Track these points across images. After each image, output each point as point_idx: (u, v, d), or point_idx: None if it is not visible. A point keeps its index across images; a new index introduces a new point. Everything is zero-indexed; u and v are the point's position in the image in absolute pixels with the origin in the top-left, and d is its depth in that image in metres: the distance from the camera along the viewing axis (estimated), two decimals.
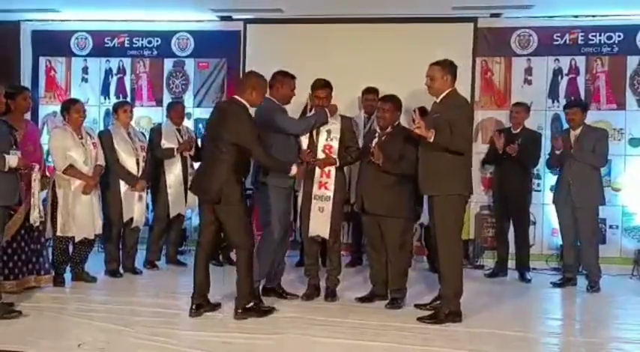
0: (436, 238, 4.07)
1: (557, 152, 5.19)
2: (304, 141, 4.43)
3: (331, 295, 4.50)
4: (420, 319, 4.04)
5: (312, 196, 4.38)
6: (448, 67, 4.03)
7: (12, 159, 3.84)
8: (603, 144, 5.14)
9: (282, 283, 4.63)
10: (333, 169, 4.39)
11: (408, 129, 4.46)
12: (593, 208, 5.14)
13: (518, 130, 5.53)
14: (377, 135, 4.42)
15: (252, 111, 4.15)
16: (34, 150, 4.46)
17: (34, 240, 4.54)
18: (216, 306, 4.20)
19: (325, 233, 4.41)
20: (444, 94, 4.02)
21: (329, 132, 4.40)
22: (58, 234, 4.72)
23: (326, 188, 4.37)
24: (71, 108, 4.82)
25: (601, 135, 5.20)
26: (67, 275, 4.91)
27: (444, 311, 4.02)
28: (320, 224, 4.39)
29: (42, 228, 4.56)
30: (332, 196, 4.38)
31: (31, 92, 5.03)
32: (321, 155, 4.39)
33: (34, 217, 4.24)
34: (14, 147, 3.93)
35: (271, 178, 4.31)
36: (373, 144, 4.35)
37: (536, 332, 3.96)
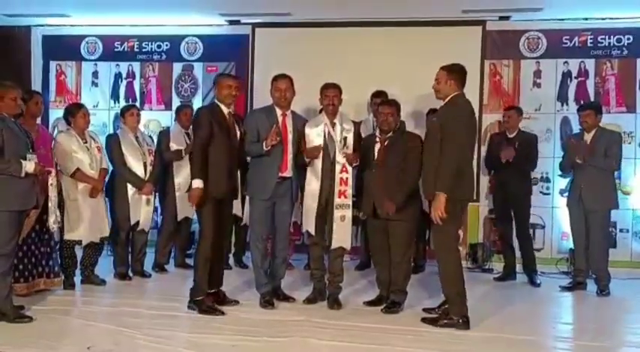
0: (435, 242, 4.15)
1: (579, 160, 5.03)
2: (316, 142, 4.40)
3: (336, 302, 4.47)
4: (424, 320, 4.08)
5: (334, 206, 4.37)
6: (455, 72, 4.01)
7: (29, 165, 3.86)
8: (616, 147, 5.05)
9: (286, 284, 4.71)
10: (350, 177, 4.39)
11: (411, 133, 4.52)
12: (605, 212, 5.09)
13: (514, 134, 5.52)
14: (377, 139, 4.40)
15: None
16: (45, 153, 4.49)
17: (45, 243, 4.56)
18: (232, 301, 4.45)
19: (347, 244, 4.45)
20: (447, 98, 4.04)
21: (345, 139, 4.39)
22: (66, 237, 4.75)
23: (345, 196, 4.38)
24: (77, 113, 4.85)
25: (614, 139, 5.11)
26: (77, 278, 4.93)
27: (451, 316, 3.99)
28: (342, 235, 4.39)
29: (52, 231, 4.59)
30: (351, 204, 4.41)
31: (42, 96, 5.07)
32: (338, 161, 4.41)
33: (52, 222, 4.27)
34: (30, 150, 3.96)
35: (250, 191, 4.46)
36: (377, 149, 4.35)
37: (547, 337, 3.94)
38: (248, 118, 4.61)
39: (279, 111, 4.44)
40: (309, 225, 4.43)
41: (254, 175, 4.42)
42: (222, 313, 4.18)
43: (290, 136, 4.42)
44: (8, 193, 3.81)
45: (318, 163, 4.37)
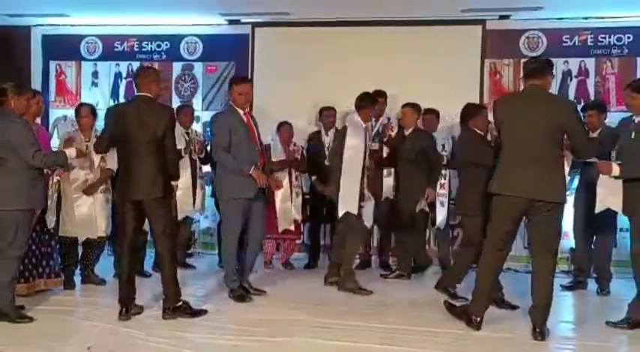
0: None
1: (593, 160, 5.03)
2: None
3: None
4: (446, 302, 4.27)
5: None
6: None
7: (71, 151, 3.97)
8: None
9: (287, 285, 4.87)
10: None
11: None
12: (615, 212, 5.05)
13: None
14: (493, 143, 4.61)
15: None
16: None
17: (45, 243, 4.56)
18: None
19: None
20: None
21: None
22: (60, 234, 4.74)
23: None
24: (82, 113, 4.88)
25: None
26: (77, 278, 4.93)
27: (468, 313, 3.97)
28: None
29: (52, 231, 4.59)
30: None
31: (42, 96, 5.07)
32: None
33: (53, 219, 4.29)
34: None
35: (232, 191, 4.48)
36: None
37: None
38: (219, 121, 4.56)
39: (241, 111, 4.54)
40: (352, 207, 4.70)
41: (233, 176, 4.44)
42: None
43: (256, 132, 4.59)
44: (32, 192, 3.85)
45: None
